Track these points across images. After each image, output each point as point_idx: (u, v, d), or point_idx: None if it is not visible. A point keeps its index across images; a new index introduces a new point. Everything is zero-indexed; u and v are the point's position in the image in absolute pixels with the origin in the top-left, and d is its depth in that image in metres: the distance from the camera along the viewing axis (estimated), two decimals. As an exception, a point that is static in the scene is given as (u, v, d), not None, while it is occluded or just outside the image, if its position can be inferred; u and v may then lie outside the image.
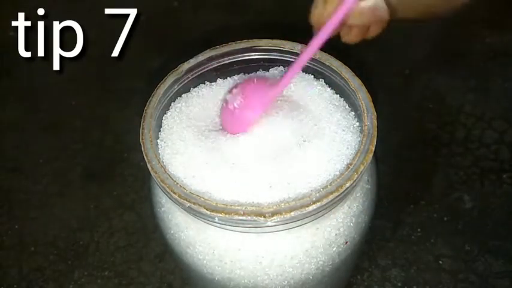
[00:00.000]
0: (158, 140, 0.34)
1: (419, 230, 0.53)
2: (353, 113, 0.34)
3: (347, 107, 0.35)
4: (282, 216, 0.27)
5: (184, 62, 0.36)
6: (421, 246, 0.52)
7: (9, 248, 0.54)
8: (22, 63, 0.74)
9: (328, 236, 0.31)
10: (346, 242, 0.32)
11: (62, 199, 0.58)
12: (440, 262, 0.50)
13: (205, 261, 0.32)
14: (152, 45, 0.73)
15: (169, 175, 0.30)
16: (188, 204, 0.28)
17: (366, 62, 0.66)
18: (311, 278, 0.32)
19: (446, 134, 0.60)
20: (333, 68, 0.34)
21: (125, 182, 0.59)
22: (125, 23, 0.74)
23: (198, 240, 0.32)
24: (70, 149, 0.62)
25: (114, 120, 0.65)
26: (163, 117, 0.36)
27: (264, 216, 0.27)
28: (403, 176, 0.57)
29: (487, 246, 0.51)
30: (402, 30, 0.72)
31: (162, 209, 0.34)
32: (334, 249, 0.32)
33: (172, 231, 0.33)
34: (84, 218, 0.56)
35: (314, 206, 0.27)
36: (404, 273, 0.50)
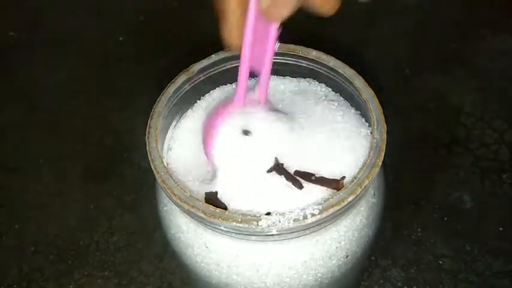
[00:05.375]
0: (165, 140, 0.34)
1: (419, 230, 0.53)
2: (365, 122, 0.34)
3: (359, 115, 0.35)
4: (280, 227, 0.27)
5: (194, 61, 0.35)
6: (421, 246, 0.52)
7: (9, 248, 0.54)
8: (22, 63, 0.74)
9: (328, 249, 0.31)
10: (347, 256, 0.32)
11: (62, 199, 0.58)
12: (440, 262, 0.50)
13: (202, 264, 0.32)
14: (152, 45, 0.73)
15: (170, 176, 0.30)
16: (187, 207, 0.28)
17: (366, 61, 0.66)
18: None
19: (446, 134, 0.60)
20: (346, 76, 0.33)
21: (125, 182, 0.59)
22: (125, 23, 0.74)
23: (197, 243, 0.32)
24: (70, 149, 0.62)
25: (114, 120, 0.65)
26: (175, 119, 0.35)
27: (262, 225, 0.27)
28: (403, 175, 0.57)
29: (487, 246, 0.51)
30: (402, 30, 0.72)
31: (165, 208, 0.34)
32: (334, 262, 0.31)
33: (172, 232, 0.33)
34: (84, 218, 0.56)
35: (313, 219, 0.27)
36: (404, 273, 0.50)
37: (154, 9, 0.79)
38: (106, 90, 0.69)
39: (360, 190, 0.28)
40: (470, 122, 0.61)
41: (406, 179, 0.57)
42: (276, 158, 0.31)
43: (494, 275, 0.49)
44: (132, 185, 0.58)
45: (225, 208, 0.29)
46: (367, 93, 0.32)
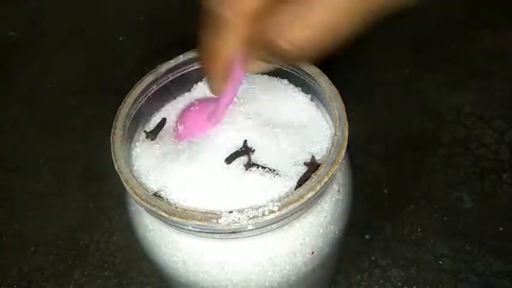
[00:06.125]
0: (140, 139, 0.34)
1: (419, 230, 0.53)
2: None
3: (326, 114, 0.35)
4: (239, 224, 0.27)
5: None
6: (421, 246, 0.52)
7: (9, 248, 0.54)
8: (22, 63, 0.74)
9: (293, 245, 0.31)
10: (313, 252, 0.32)
11: (62, 199, 0.58)
12: (440, 262, 0.50)
13: (170, 263, 0.32)
14: (152, 45, 0.73)
15: (134, 176, 0.30)
16: (148, 206, 0.28)
17: (366, 62, 0.66)
18: (276, 286, 0.32)
19: (446, 134, 0.60)
20: (311, 74, 0.34)
21: (125, 182, 0.59)
22: (125, 23, 0.74)
23: (163, 242, 0.32)
24: (70, 149, 0.62)
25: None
26: (145, 120, 0.36)
27: (221, 223, 0.27)
28: (403, 176, 0.57)
29: (487, 246, 0.51)
30: (402, 29, 0.72)
31: (132, 207, 0.34)
32: (299, 258, 0.31)
33: (140, 231, 0.34)
34: (84, 218, 0.56)
35: (272, 216, 0.27)
36: (404, 273, 0.50)
37: (154, 9, 0.79)
38: (106, 90, 0.69)
39: (319, 187, 0.28)
40: (470, 122, 0.61)
41: (406, 179, 0.57)
42: (239, 150, 0.31)
43: (494, 275, 0.49)
44: (132, 185, 0.58)
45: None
46: (330, 91, 0.32)
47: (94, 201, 0.57)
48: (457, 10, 0.74)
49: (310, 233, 0.31)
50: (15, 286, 0.51)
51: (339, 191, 0.33)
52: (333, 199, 0.33)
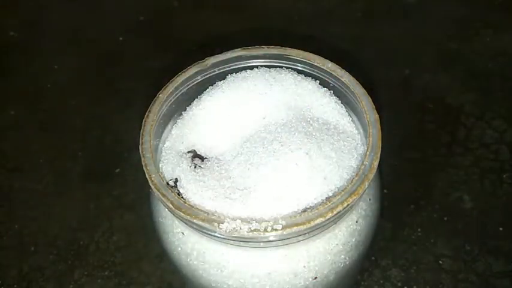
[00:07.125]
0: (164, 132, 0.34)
1: (419, 230, 0.53)
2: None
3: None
4: (239, 234, 0.26)
5: (194, 61, 0.34)
6: (421, 246, 0.52)
7: (9, 248, 0.54)
8: (22, 63, 0.74)
9: (295, 266, 0.29)
10: (315, 278, 0.30)
11: (62, 199, 0.58)
12: (440, 262, 0.50)
13: (175, 253, 0.32)
14: (152, 45, 0.73)
15: (153, 162, 0.29)
16: (158, 194, 0.28)
17: (366, 62, 0.66)
18: None
19: (446, 134, 0.60)
20: (356, 94, 0.32)
21: (125, 182, 0.59)
22: (125, 23, 0.74)
23: (174, 231, 0.32)
24: (70, 149, 0.62)
25: (114, 120, 0.65)
26: (179, 110, 0.35)
27: (222, 228, 0.26)
28: (403, 176, 0.57)
29: (487, 246, 0.51)
30: (402, 29, 0.72)
31: (151, 191, 0.33)
32: (300, 281, 0.30)
33: (154, 215, 0.34)
34: (84, 218, 0.56)
35: (274, 233, 0.26)
36: (404, 273, 0.50)
37: (154, 9, 0.79)
38: (106, 90, 0.69)
39: (330, 215, 0.26)
40: (470, 122, 0.61)
41: (406, 179, 0.57)
42: None
43: (494, 275, 0.49)
44: (132, 185, 0.58)
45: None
46: (371, 116, 0.30)
47: (94, 201, 0.57)
48: (457, 10, 0.74)
49: (316, 258, 0.30)
50: (15, 286, 0.51)
51: (357, 221, 0.31)
52: (349, 229, 0.31)
